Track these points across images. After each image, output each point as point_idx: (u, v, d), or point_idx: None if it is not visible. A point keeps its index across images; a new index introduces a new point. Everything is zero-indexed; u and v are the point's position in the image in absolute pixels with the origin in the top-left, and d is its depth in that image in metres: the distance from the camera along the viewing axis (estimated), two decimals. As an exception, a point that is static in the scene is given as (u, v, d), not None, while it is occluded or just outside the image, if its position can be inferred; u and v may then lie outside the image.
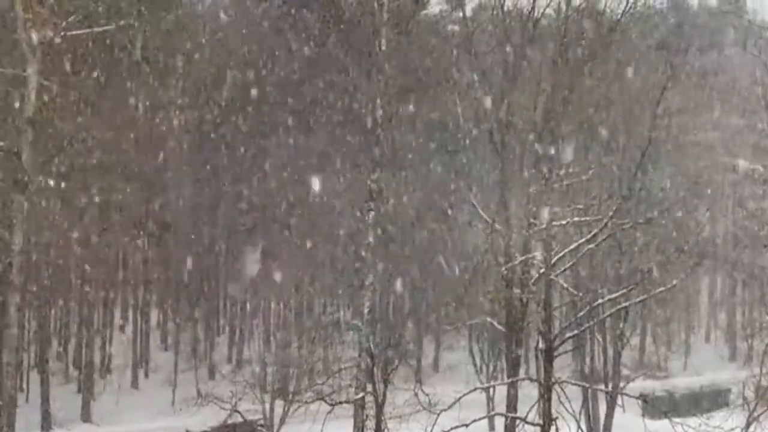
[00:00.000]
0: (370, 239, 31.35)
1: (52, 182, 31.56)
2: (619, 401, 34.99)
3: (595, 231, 20.95)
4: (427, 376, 44.57)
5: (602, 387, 34.35)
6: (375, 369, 21.55)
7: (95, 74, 38.18)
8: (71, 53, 31.07)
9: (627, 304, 25.80)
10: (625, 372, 40.04)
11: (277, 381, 39.68)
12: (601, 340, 37.62)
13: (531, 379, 23.01)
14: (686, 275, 24.85)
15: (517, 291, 22.02)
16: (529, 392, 23.63)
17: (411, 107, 41.74)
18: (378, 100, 31.65)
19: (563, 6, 23.79)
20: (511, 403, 22.98)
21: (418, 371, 46.82)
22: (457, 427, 19.28)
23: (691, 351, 59.64)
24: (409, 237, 48.47)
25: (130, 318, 55.99)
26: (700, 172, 49.44)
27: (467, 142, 27.45)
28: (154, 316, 57.24)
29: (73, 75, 35.26)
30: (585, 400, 34.31)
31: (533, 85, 23.56)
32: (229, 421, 37.40)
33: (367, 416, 23.91)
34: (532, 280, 21.44)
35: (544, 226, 20.35)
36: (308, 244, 46.91)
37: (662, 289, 23.88)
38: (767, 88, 33.84)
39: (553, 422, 19.34)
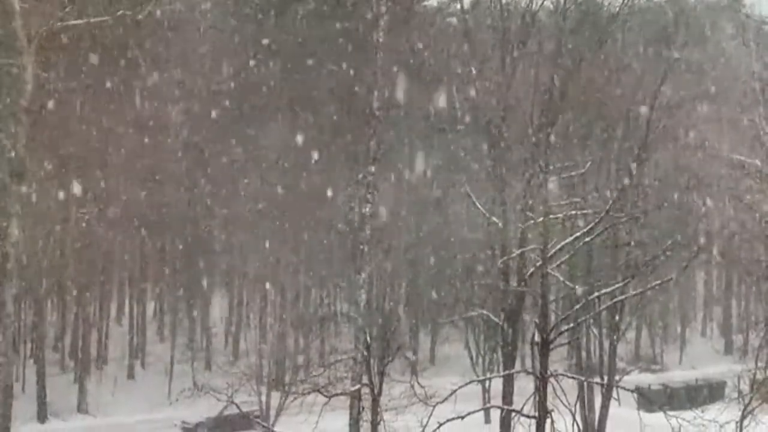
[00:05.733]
0: (367, 231, 31.33)
1: (48, 173, 31.56)
2: (614, 394, 35.02)
3: (591, 224, 20.97)
4: (424, 368, 44.59)
5: (598, 380, 34.39)
6: (371, 361, 21.52)
7: (92, 65, 38.15)
8: (67, 44, 31.03)
9: (623, 297, 25.84)
10: (620, 365, 40.08)
11: (274, 373, 39.75)
12: (596, 333, 37.67)
13: (527, 372, 23.04)
14: (682, 269, 24.83)
15: (513, 284, 22.04)
16: (524, 385, 23.66)
17: (408, 99, 41.68)
18: (375, 92, 31.60)
19: (561, -1, 23.79)
20: (507, 396, 23.02)
21: (415, 363, 46.84)
22: (452, 419, 19.31)
23: (686, 344, 59.73)
24: (406, 229, 48.50)
25: (126, 309, 55.99)
26: (696, 166, 49.45)
27: (465, 134, 27.48)
28: (151, 307, 57.24)
29: (69, 65, 35.26)
30: (580, 392, 34.33)
31: (531, 78, 23.55)
32: (225, 413, 37.49)
33: (363, 408, 23.91)
34: (529, 273, 21.45)
35: (540, 219, 20.36)
36: (305, 236, 46.91)
37: (658, 282, 23.89)
38: (764, 82, 33.77)
39: (549, 415, 19.36)
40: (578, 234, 20.99)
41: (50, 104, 34.23)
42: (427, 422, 19.10)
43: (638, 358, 56.00)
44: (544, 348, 19.73)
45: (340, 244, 45.75)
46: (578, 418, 20.15)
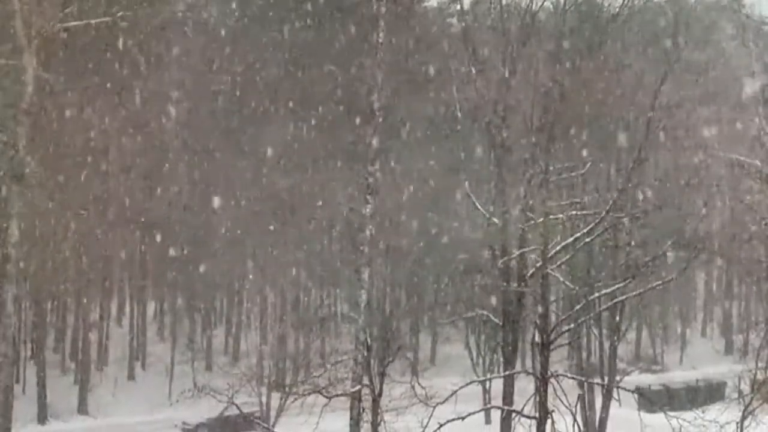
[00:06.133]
0: (367, 231, 31.29)
1: (48, 173, 31.54)
2: (615, 395, 35.02)
3: (591, 224, 20.96)
4: (424, 368, 44.58)
5: (598, 380, 34.37)
6: (371, 361, 21.53)
7: (91, 66, 38.15)
8: (68, 44, 31.02)
9: (623, 297, 25.83)
10: (621, 365, 40.08)
11: (274, 374, 39.76)
12: (597, 333, 37.67)
13: (527, 372, 23.05)
14: (683, 269, 24.81)
15: (513, 284, 22.02)
16: (525, 385, 23.67)
17: (409, 99, 41.71)
18: (375, 92, 31.57)
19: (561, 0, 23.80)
20: (508, 396, 22.97)
21: (415, 364, 46.85)
22: (453, 419, 19.30)
23: (686, 345, 59.73)
24: (406, 229, 48.47)
25: (126, 310, 55.96)
26: (696, 166, 49.42)
27: (465, 135, 27.45)
28: (151, 307, 57.21)
29: (69, 66, 35.19)
30: (581, 393, 34.34)
31: (531, 79, 23.54)
32: (226, 414, 37.49)
33: (363, 409, 23.90)
34: (529, 273, 21.44)
35: (541, 219, 20.36)
36: (305, 237, 46.91)
37: (658, 283, 23.87)
38: (764, 82, 33.79)
39: (549, 415, 19.37)
40: (578, 234, 20.99)
41: (50, 104, 34.23)
42: (428, 423, 19.10)
43: (638, 359, 56.00)
44: (545, 348, 19.72)
45: (340, 244, 45.75)
46: (579, 418, 20.14)
